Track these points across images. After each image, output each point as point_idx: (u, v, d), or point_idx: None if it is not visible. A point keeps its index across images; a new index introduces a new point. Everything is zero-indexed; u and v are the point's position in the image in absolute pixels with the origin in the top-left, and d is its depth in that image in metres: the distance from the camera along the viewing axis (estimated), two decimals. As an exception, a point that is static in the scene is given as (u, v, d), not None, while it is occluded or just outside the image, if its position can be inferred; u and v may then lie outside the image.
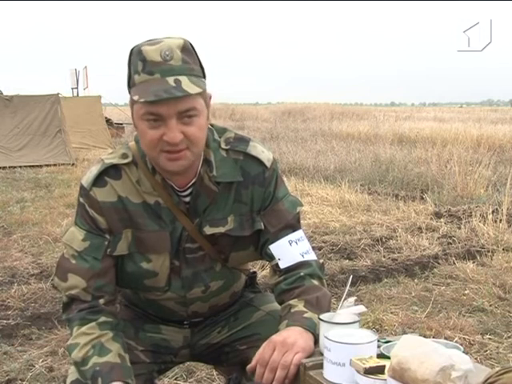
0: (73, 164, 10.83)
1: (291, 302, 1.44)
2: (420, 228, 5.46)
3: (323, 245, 4.88)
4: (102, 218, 1.45)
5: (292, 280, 1.47)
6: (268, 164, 1.51)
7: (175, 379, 2.63)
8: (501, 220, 5.32)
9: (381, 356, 1.20)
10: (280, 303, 1.51)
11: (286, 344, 1.30)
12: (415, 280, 4.03)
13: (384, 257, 4.58)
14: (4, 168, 10.44)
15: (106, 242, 1.46)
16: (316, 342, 1.34)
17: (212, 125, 1.53)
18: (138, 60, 1.32)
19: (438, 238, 5.14)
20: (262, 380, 1.31)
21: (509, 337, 3.06)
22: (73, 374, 1.46)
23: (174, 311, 1.60)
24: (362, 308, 1.34)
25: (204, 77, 1.39)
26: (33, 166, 10.74)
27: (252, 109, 33.96)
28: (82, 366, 1.40)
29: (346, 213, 6.18)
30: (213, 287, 1.57)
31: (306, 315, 1.39)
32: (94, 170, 1.47)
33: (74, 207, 5.46)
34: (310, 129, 17.83)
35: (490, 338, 3.03)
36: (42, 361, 2.80)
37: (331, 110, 28.18)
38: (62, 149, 11.39)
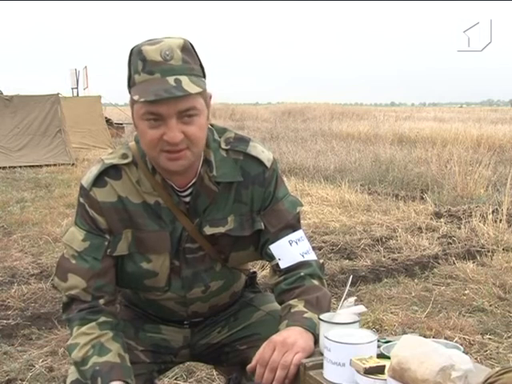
0: (73, 164, 10.83)
1: (291, 302, 1.44)
2: (420, 228, 5.46)
3: (323, 245, 4.88)
4: (102, 218, 1.45)
5: (292, 280, 1.47)
6: (268, 164, 1.51)
7: (175, 379, 2.63)
8: (501, 220, 5.32)
9: (381, 356, 1.20)
10: (280, 303, 1.51)
11: (286, 344, 1.30)
12: (415, 280, 4.03)
13: (384, 257, 4.58)
14: (4, 168, 10.44)
15: (106, 242, 1.46)
16: (316, 341, 1.34)
17: (212, 125, 1.53)
18: (139, 60, 1.32)
19: (438, 238, 5.14)
20: (262, 380, 1.31)
21: (509, 337, 3.06)
22: (73, 373, 1.46)
23: (174, 311, 1.60)
24: (362, 308, 1.34)
25: (204, 76, 1.39)
26: (33, 166, 10.74)
27: (252, 109, 33.96)
28: (81, 366, 1.40)
29: (346, 213, 6.18)
30: (213, 287, 1.57)
31: (306, 315, 1.39)
32: (94, 170, 1.47)
33: (73, 207, 5.46)
34: (309, 129, 17.83)
35: (490, 338, 3.03)
36: (42, 361, 2.80)
37: (331, 110, 28.18)
38: (62, 149, 11.39)
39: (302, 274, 1.47)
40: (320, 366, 1.23)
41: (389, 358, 1.12)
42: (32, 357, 2.84)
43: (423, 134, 13.46)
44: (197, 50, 1.38)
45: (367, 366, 1.12)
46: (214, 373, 2.62)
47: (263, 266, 3.98)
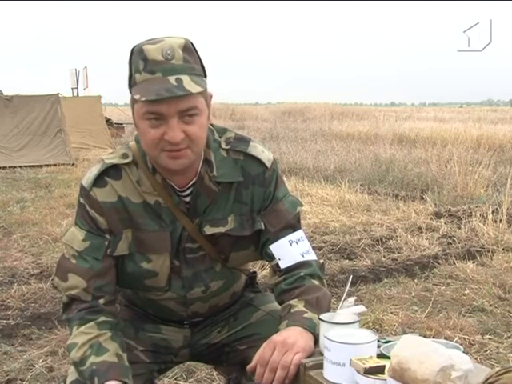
0: (73, 164, 10.83)
1: (291, 302, 1.44)
2: (420, 228, 5.46)
3: (323, 245, 4.88)
4: (103, 218, 1.45)
5: (292, 280, 1.47)
6: (268, 164, 1.51)
7: (175, 379, 2.63)
8: (501, 220, 5.32)
9: (381, 356, 1.20)
10: (280, 303, 1.51)
11: (286, 344, 1.30)
12: (415, 280, 4.02)
13: (384, 257, 4.58)
14: (4, 168, 10.44)
15: (107, 242, 1.46)
16: (316, 342, 1.34)
17: (212, 125, 1.53)
18: (140, 59, 1.32)
19: (438, 238, 5.14)
20: (262, 380, 1.31)
21: (509, 337, 3.06)
22: (72, 373, 1.46)
23: (174, 311, 1.60)
24: (361, 308, 1.34)
25: (205, 76, 1.39)
26: (33, 165, 10.73)
27: (252, 109, 33.94)
28: (80, 366, 1.40)
29: (346, 213, 6.18)
30: (213, 287, 1.57)
31: (306, 315, 1.39)
32: (94, 170, 1.47)
33: (74, 207, 5.46)
34: (309, 129, 17.82)
35: (490, 338, 3.03)
36: (42, 361, 2.80)
37: (331, 110, 28.17)
38: (62, 149, 11.39)
39: (302, 274, 1.47)
40: (320, 366, 1.23)
41: (389, 358, 1.12)
42: (32, 357, 2.84)
43: (423, 134, 13.45)
44: (197, 50, 1.38)
45: (367, 366, 1.12)
46: (214, 373, 2.62)
47: (263, 266, 3.98)
